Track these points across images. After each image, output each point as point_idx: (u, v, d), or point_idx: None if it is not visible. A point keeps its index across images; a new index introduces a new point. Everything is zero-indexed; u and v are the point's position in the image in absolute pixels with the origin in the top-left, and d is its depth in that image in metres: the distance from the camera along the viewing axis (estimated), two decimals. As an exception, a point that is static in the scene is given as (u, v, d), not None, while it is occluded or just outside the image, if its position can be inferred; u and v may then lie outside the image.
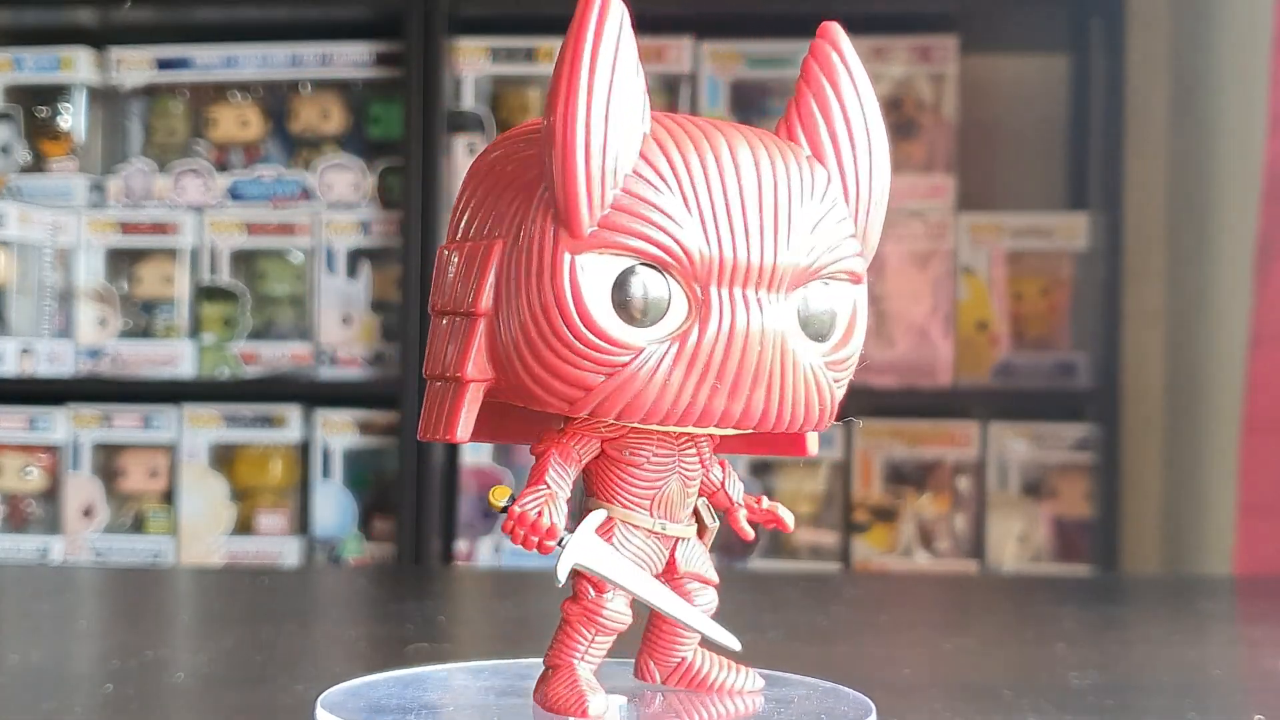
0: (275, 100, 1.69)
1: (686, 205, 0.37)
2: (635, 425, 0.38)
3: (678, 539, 0.42)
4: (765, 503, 0.44)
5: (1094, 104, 1.61)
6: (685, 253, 0.37)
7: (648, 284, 0.37)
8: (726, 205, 0.37)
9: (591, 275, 0.37)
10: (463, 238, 0.40)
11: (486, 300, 0.38)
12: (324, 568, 1.57)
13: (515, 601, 0.88)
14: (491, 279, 0.38)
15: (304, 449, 1.63)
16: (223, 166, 1.68)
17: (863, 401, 1.59)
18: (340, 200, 1.63)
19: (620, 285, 0.37)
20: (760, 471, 1.59)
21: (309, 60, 1.66)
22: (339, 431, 1.61)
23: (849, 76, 0.40)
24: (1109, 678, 0.61)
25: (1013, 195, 1.68)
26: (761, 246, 0.37)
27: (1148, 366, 1.61)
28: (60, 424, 1.63)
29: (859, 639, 0.74)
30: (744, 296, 0.37)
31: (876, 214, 0.40)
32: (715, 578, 0.43)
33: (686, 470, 0.41)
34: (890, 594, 0.99)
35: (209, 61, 1.67)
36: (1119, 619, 0.86)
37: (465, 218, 0.40)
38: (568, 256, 0.37)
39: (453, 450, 1.58)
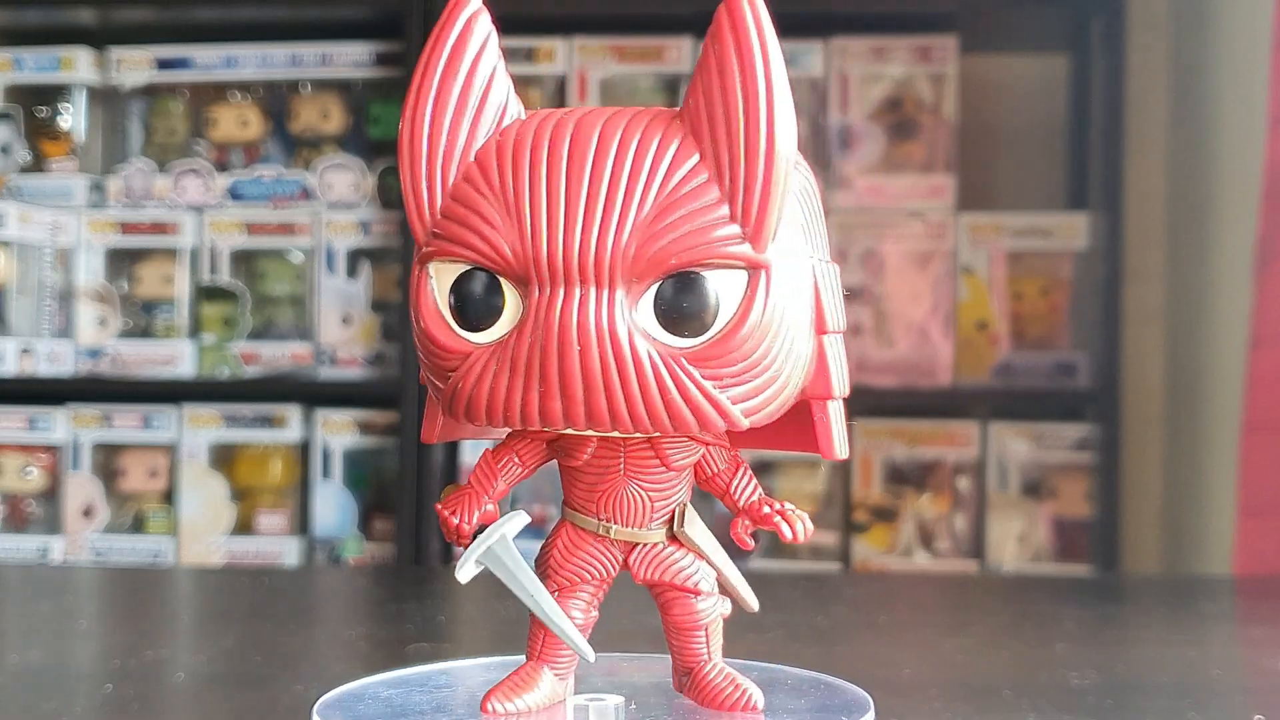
0: (275, 100, 1.69)
1: (507, 209, 0.37)
2: (572, 431, 0.38)
3: (635, 544, 0.41)
4: (775, 507, 0.41)
5: (1094, 104, 1.61)
6: (502, 256, 0.37)
7: (480, 289, 0.37)
8: (548, 206, 0.36)
9: (437, 283, 0.38)
10: None
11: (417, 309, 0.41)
12: (324, 568, 1.57)
13: (515, 601, 0.88)
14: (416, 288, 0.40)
15: (304, 449, 1.63)
16: (223, 166, 1.68)
17: (863, 401, 1.59)
18: (340, 200, 1.63)
19: (454, 291, 0.38)
20: (760, 472, 1.59)
21: (309, 60, 1.66)
22: (339, 431, 1.61)
23: (733, 46, 0.36)
24: (1109, 678, 0.61)
25: (1013, 195, 1.68)
26: (581, 244, 0.36)
27: (1148, 366, 1.61)
28: (60, 424, 1.63)
29: (859, 639, 0.74)
30: (566, 295, 0.36)
31: (772, 192, 0.36)
32: (700, 585, 0.42)
33: (642, 472, 0.41)
34: (890, 594, 0.99)
35: (209, 61, 1.67)
36: (1119, 619, 0.86)
37: None
38: (416, 266, 0.39)
39: (453, 450, 1.58)
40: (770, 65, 0.36)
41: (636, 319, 0.36)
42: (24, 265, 1.64)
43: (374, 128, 1.67)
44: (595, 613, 0.42)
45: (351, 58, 1.65)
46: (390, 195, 1.63)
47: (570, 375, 0.36)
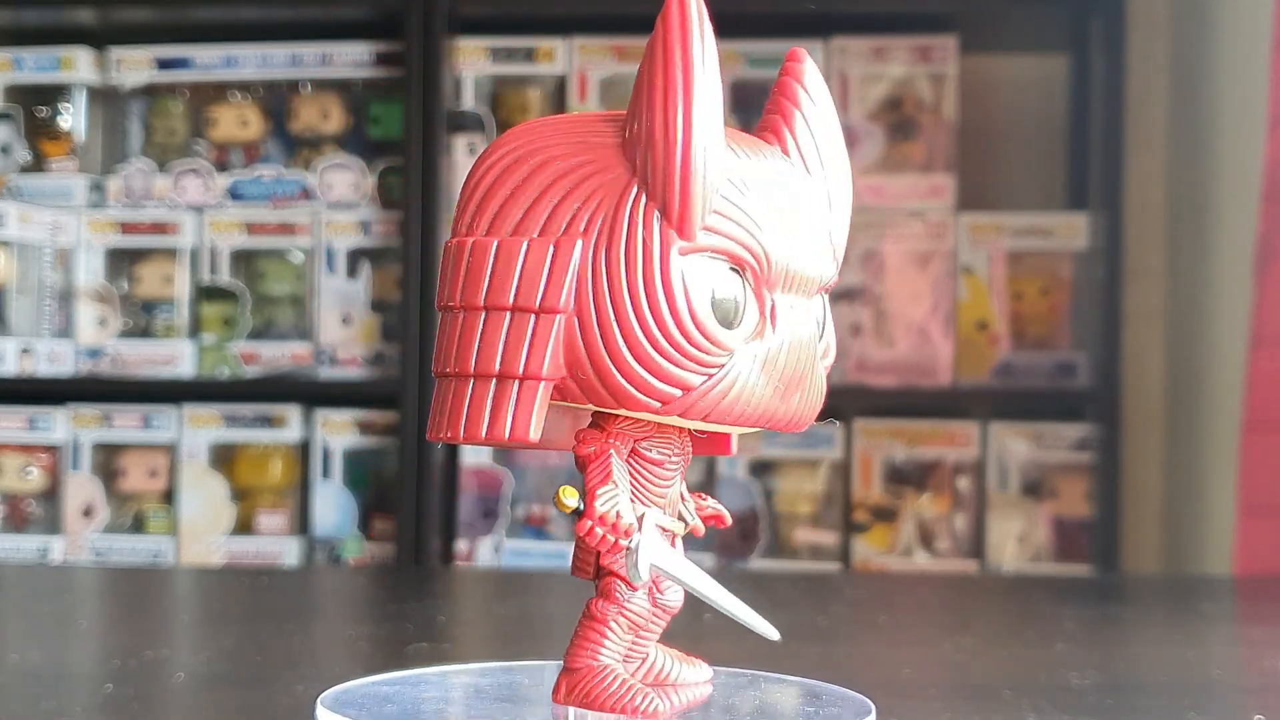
0: (275, 100, 1.69)
1: (765, 212, 0.38)
2: (663, 424, 0.39)
3: (674, 536, 0.42)
4: (709, 502, 0.43)
5: (1094, 104, 1.61)
6: (767, 258, 0.38)
7: (734, 288, 0.38)
8: (786, 214, 0.39)
9: (695, 277, 0.37)
10: (513, 231, 0.39)
11: (565, 298, 0.37)
12: (324, 568, 1.57)
13: (515, 601, 0.88)
14: (571, 276, 0.37)
15: (304, 449, 1.63)
16: (223, 166, 1.68)
17: (863, 401, 1.59)
18: (340, 200, 1.63)
19: (718, 288, 0.38)
20: (760, 471, 1.59)
21: (309, 60, 1.66)
22: (339, 431, 1.61)
23: (822, 97, 0.42)
24: (1109, 678, 0.61)
25: (1013, 195, 1.68)
26: (815, 255, 0.40)
27: (1148, 366, 1.61)
28: (60, 424, 1.63)
29: (859, 639, 0.74)
30: (793, 303, 0.39)
31: (844, 229, 0.42)
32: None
33: (683, 470, 0.42)
34: (890, 594, 0.99)
35: (209, 61, 1.67)
36: (1119, 619, 0.86)
37: (507, 210, 0.39)
38: (677, 259, 0.37)
39: (453, 450, 1.58)
40: (835, 114, 0.42)
41: (816, 329, 0.41)
42: (24, 265, 1.64)
43: (374, 128, 1.67)
44: None
45: (351, 58, 1.65)
46: (390, 195, 1.63)
47: (798, 378, 0.39)
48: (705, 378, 0.37)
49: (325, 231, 1.62)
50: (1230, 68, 1.50)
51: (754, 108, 1.62)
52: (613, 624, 0.40)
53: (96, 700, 0.54)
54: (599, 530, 0.38)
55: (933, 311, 1.58)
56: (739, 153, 0.39)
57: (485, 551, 1.57)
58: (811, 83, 0.41)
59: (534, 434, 0.38)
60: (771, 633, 0.42)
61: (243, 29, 1.69)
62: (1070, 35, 1.69)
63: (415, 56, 1.58)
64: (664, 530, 0.41)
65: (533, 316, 0.38)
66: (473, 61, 1.62)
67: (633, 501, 0.40)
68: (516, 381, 0.38)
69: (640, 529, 0.39)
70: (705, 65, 0.37)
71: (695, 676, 0.44)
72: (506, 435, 0.38)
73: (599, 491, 0.38)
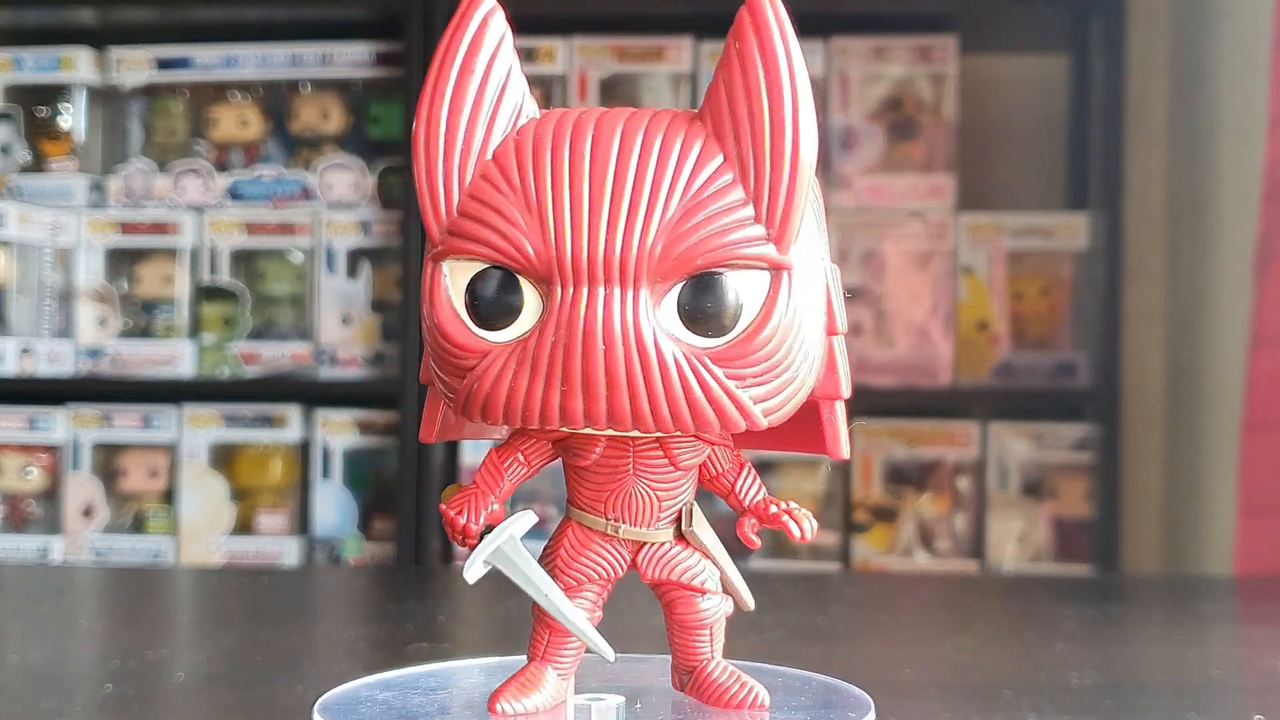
0: (275, 100, 1.69)
1: (529, 207, 0.37)
2: (580, 431, 0.39)
3: (643, 544, 0.41)
4: (782, 507, 0.42)
5: (1094, 104, 1.61)
6: (524, 254, 0.37)
7: (498, 288, 0.37)
8: (571, 205, 0.36)
9: (451, 281, 0.38)
10: None
11: (426, 309, 0.39)
12: (324, 568, 1.57)
13: (515, 601, 0.88)
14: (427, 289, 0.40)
15: (304, 449, 1.63)
16: (223, 166, 1.68)
17: (863, 401, 1.59)
18: (340, 200, 1.63)
19: (470, 290, 0.38)
20: (760, 471, 1.59)
21: (309, 60, 1.66)
22: (339, 431, 1.61)
23: (758, 48, 0.36)
24: (1109, 678, 0.61)
25: (1013, 195, 1.68)
26: (607, 244, 0.36)
27: (1148, 366, 1.61)
28: (60, 424, 1.63)
29: (859, 639, 0.74)
30: (591, 295, 0.36)
31: (796, 195, 0.37)
32: (705, 584, 0.42)
33: (650, 472, 0.41)
34: (890, 594, 0.98)
35: (209, 61, 1.67)
36: (1119, 619, 0.86)
37: None
38: (430, 264, 0.38)
39: (453, 450, 1.58)
40: (794, 67, 0.36)
41: (660, 319, 0.36)
42: (24, 265, 1.64)
43: (374, 128, 1.67)
44: (600, 612, 0.42)
45: (351, 58, 1.65)
46: (390, 195, 1.63)
47: (594, 374, 0.36)
48: (462, 377, 0.38)
49: (325, 231, 1.62)
50: (1230, 68, 1.50)
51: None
52: (537, 624, 0.43)
53: (96, 700, 0.54)
54: (447, 529, 0.41)
55: (933, 311, 1.58)
56: (537, 141, 0.37)
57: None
58: (742, 35, 0.37)
59: (424, 436, 0.42)
60: (609, 653, 0.41)
61: (243, 29, 1.69)
62: (1070, 35, 1.69)
63: (415, 56, 1.58)
64: (607, 536, 0.41)
65: (428, 330, 0.40)
66: (473, 61, 1.62)
67: (573, 503, 0.41)
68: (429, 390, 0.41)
69: (485, 533, 0.40)
70: (446, 70, 0.39)
71: (750, 701, 0.42)
72: (420, 438, 0.43)
73: (459, 493, 0.41)
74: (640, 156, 0.37)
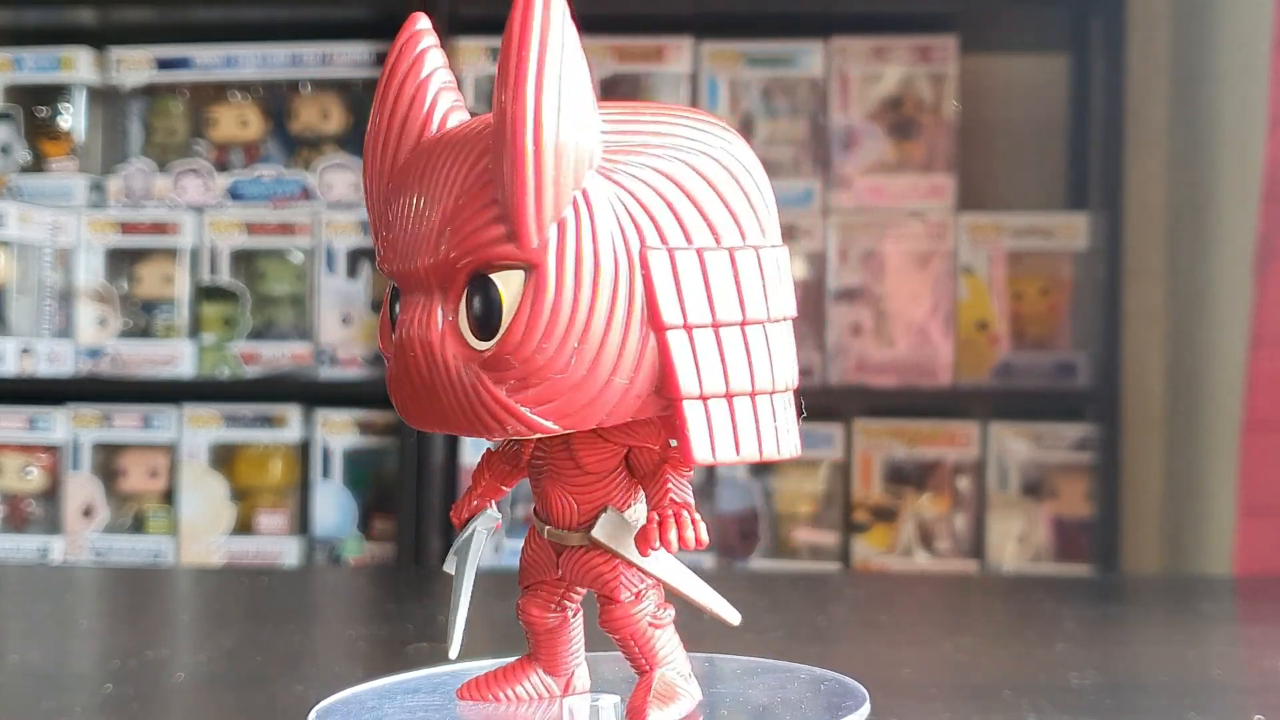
0: (275, 100, 1.69)
1: (384, 225, 0.39)
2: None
3: (564, 546, 0.41)
4: (664, 511, 0.39)
5: (1094, 104, 1.61)
6: (389, 268, 0.38)
7: (393, 299, 0.39)
8: (399, 221, 0.38)
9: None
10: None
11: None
12: (324, 568, 1.57)
13: (515, 602, 0.88)
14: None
15: (304, 449, 1.63)
16: (223, 166, 1.68)
17: (863, 401, 1.59)
18: (340, 200, 1.63)
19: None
20: (760, 471, 1.59)
21: (309, 60, 1.66)
22: (339, 431, 1.61)
23: (506, 35, 0.36)
24: (1109, 678, 0.61)
25: (1013, 195, 1.68)
26: (408, 251, 0.37)
27: (1148, 366, 1.61)
28: (60, 424, 1.63)
29: (859, 639, 0.74)
30: (412, 304, 0.37)
31: (522, 185, 0.35)
32: (619, 594, 0.40)
33: (564, 474, 0.40)
34: (890, 594, 0.98)
35: (209, 61, 1.67)
36: (1119, 619, 0.86)
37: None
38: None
39: (453, 450, 1.58)
40: (526, 48, 0.35)
41: (459, 325, 0.36)
42: (24, 265, 1.64)
43: (374, 128, 1.67)
44: (562, 612, 0.42)
45: (351, 58, 1.65)
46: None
47: (411, 381, 0.37)
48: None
49: (325, 231, 1.62)
50: (1230, 68, 1.50)
51: (753, 108, 1.62)
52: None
53: (96, 700, 0.54)
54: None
55: (933, 311, 1.58)
56: (404, 166, 0.39)
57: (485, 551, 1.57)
58: (508, 30, 0.36)
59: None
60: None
61: (243, 29, 1.69)
62: (1070, 35, 1.69)
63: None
64: (536, 534, 0.42)
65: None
66: (473, 61, 1.62)
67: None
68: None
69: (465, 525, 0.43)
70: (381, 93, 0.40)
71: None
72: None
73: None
74: (439, 167, 0.37)
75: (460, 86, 1.55)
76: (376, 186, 0.39)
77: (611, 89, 1.61)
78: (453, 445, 1.58)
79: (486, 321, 0.35)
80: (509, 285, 0.35)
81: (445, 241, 0.36)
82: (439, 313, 0.36)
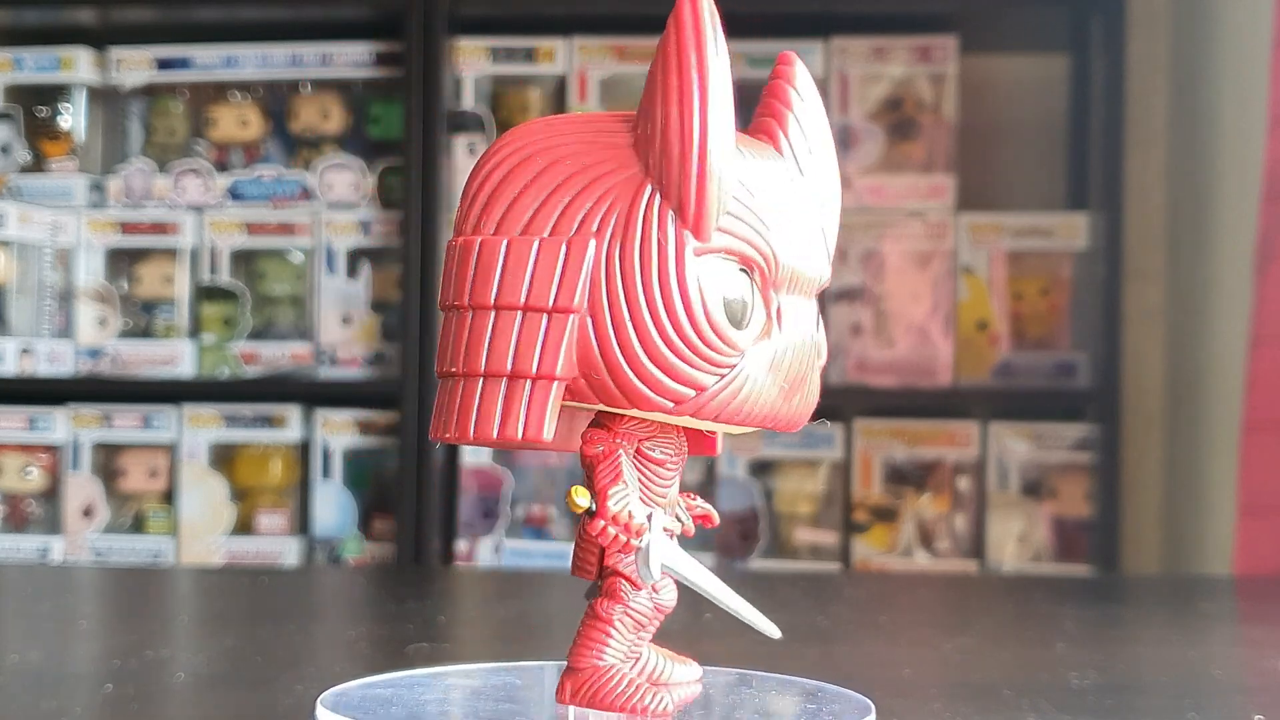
0: (275, 100, 1.69)
1: (771, 212, 0.39)
2: (666, 424, 0.39)
3: (672, 535, 0.42)
4: (698, 502, 0.43)
5: (1094, 104, 1.61)
6: (775, 259, 0.38)
7: (743, 289, 0.38)
8: (788, 215, 0.39)
9: (708, 278, 0.37)
10: (523, 230, 0.38)
11: (579, 297, 0.37)
12: (324, 568, 1.57)
13: (515, 601, 0.88)
14: (585, 276, 0.37)
15: (304, 449, 1.63)
16: (223, 166, 1.68)
17: (863, 401, 1.59)
18: (340, 200, 1.63)
19: (730, 289, 0.38)
20: (760, 471, 1.59)
21: (309, 60, 1.66)
22: (339, 431, 1.61)
23: (812, 99, 0.42)
24: (1109, 678, 0.61)
25: (1013, 195, 1.68)
26: (814, 256, 0.40)
27: (1148, 366, 1.61)
28: (60, 424, 1.63)
29: (859, 639, 0.74)
30: (796, 304, 0.39)
31: (835, 229, 0.42)
32: None
33: (680, 470, 0.42)
34: (890, 594, 0.99)
35: (209, 61, 1.67)
36: (1119, 619, 0.86)
37: (515, 209, 0.39)
38: (692, 259, 0.37)
39: (452, 450, 1.58)
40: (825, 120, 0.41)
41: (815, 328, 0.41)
42: (24, 265, 1.64)
43: (374, 128, 1.67)
44: None
45: (351, 58, 1.65)
46: (390, 195, 1.63)
47: (802, 378, 0.40)
48: (718, 378, 0.37)
49: (325, 231, 1.62)
50: (1230, 68, 1.50)
51: (753, 108, 1.62)
52: (618, 623, 0.40)
53: (96, 700, 0.54)
54: (611, 530, 0.38)
55: (933, 311, 1.58)
56: (745, 154, 0.39)
57: (485, 551, 1.57)
58: (803, 84, 0.42)
59: (548, 434, 0.37)
60: (773, 630, 0.42)
61: (243, 29, 1.69)
62: (1070, 35, 1.69)
63: (415, 56, 1.58)
64: (667, 530, 0.41)
65: (545, 316, 0.37)
66: (473, 61, 1.62)
67: (642, 500, 0.40)
68: (529, 381, 0.37)
69: (650, 528, 0.39)
70: (718, 65, 0.38)
71: (686, 675, 0.44)
72: (520, 435, 0.37)
73: (611, 491, 0.39)
74: (798, 183, 0.41)
75: (459, 87, 1.55)
76: (729, 161, 0.38)
77: (611, 89, 1.62)
78: (453, 445, 1.58)
79: (821, 328, 0.41)
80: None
81: (830, 256, 0.41)
82: (814, 315, 0.41)
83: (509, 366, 0.38)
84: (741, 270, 0.38)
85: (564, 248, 0.37)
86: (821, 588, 1.01)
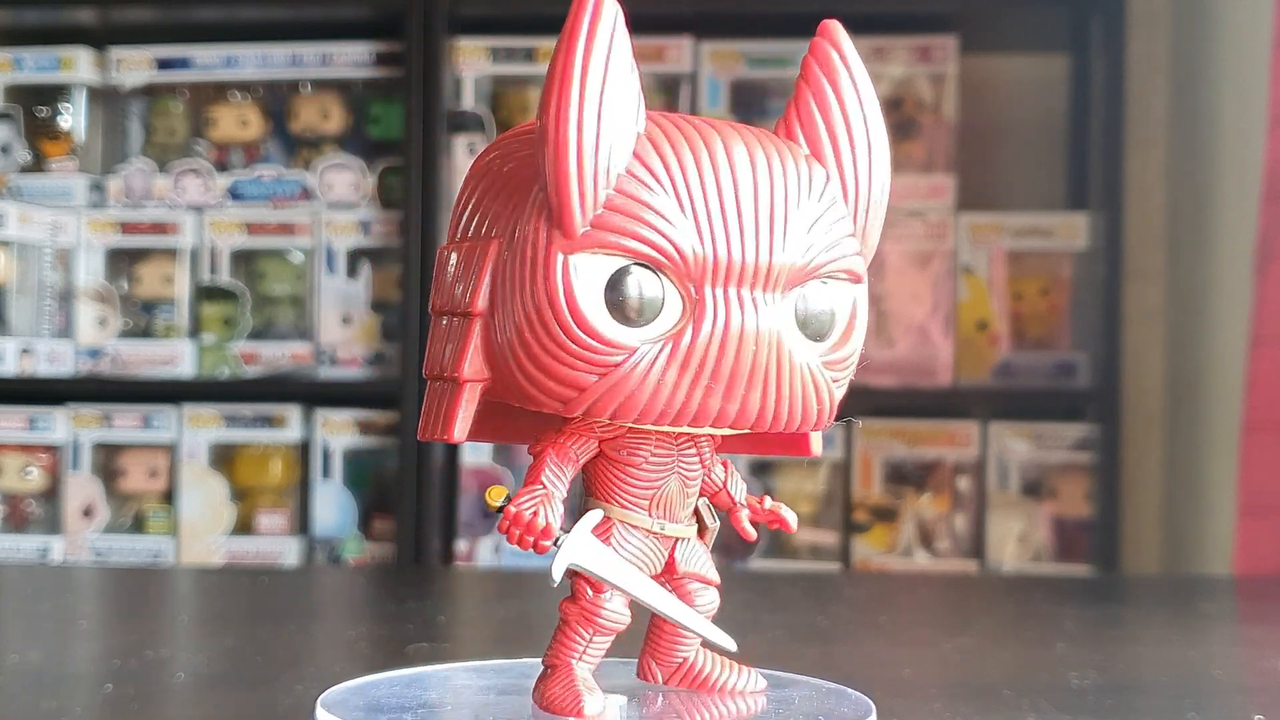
0: (275, 100, 1.69)
1: (680, 205, 0.37)
2: (632, 425, 0.38)
3: (677, 539, 0.42)
4: (768, 503, 0.44)
5: (1094, 104, 1.61)
6: (679, 253, 0.37)
7: (642, 283, 0.37)
8: (721, 204, 0.37)
9: (585, 275, 0.37)
10: (461, 238, 0.41)
11: (482, 300, 0.38)
12: (324, 568, 1.57)
13: (515, 601, 0.88)
14: (488, 279, 0.38)
15: (304, 449, 1.63)
16: (223, 166, 1.68)
17: (863, 401, 1.59)
18: (340, 200, 1.63)
19: (614, 285, 0.37)
20: (760, 471, 1.59)
21: (309, 60, 1.66)
22: (339, 431, 1.61)
23: (849, 76, 0.40)
24: (1109, 678, 0.61)
25: (1013, 195, 1.68)
26: (757, 246, 0.37)
27: (1148, 366, 1.61)
28: (60, 424, 1.63)
29: (859, 639, 0.74)
30: (739, 296, 0.37)
31: (876, 213, 0.40)
32: (716, 578, 0.43)
33: (686, 470, 0.41)
34: (890, 594, 0.99)
35: (209, 61, 1.67)
36: (1119, 619, 0.86)
37: (465, 218, 0.41)
38: (560, 256, 0.37)
39: (453, 450, 1.58)
40: (871, 94, 0.41)
41: (789, 323, 0.39)
42: (24, 265, 1.64)
43: (374, 128, 1.67)
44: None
45: (351, 58, 1.65)
46: (390, 195, 1.63)
47: (740, 374, 0.37)
48: (598, 376, 0.37)
49: (325, 231, 1.62)
50: (1230, 68, 1.50)
51: (754, 108, 1.62)
52: (575, 624, 0.41)
53: (96, 700, 0.54)
54: (515, 530, 0.38)
55: (933, 311, 1.58)
56: (672, 142, 0.38)
57: (485, 551, 1.57)
58: (828, 62, 0.41)
59: (457, 434, 0.39)
60: (728, 643, 0.42)
61: (243, 29, 1.69)
62: (1070, 35, 1.69)
63: (415, 56, 1.58)
64: (652, 533, 0.41)
65: (462, 320, 0.39)
66: (473, 61, 1.62)
67: (614, 501, 0.40)
68: (449, 383, 0.39)
69: (566, 532, 0.39)
70: (595, 59, 0.37)
71: (745, 685, 0.44)
72: (437, 435, 0.39)
73: (522, 493, 0.39)
74: (775, 170, 0.38)
75: (459, 87, 1.55)
76: (610, 155, 0.37)
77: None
78: (453, 445, 1.58)
79: (816, 322, 0.39)
80: (840, 294, 0.40)
81: (804, 244, 0.38)
82: (776, 310, 0.38)
83: (440, 369, 0.40)
84: (639, 265, 0.37)
85: (477, 252, 0.39)
86: (821, 588, 1.01)
